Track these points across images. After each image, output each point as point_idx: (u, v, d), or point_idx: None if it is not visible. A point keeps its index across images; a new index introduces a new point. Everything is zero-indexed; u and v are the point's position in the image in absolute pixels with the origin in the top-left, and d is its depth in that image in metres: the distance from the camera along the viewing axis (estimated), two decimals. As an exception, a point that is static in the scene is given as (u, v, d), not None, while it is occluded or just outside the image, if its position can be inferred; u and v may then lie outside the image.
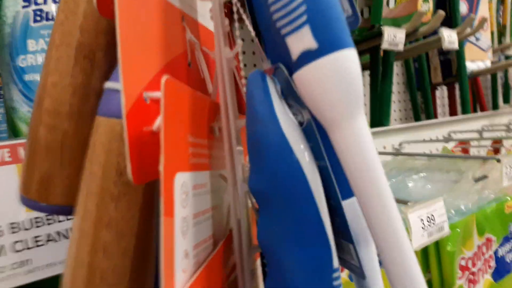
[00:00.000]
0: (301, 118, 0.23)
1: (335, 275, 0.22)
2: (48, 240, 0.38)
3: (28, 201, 0.26)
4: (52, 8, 0.45)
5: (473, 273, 0.49)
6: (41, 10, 0.45)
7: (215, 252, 0.23)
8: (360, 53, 0.91)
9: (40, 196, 0.25)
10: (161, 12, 0.21)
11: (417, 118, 1.08)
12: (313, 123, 0.22)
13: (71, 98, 0.24)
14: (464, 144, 0.86)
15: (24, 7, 0.46)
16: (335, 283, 0.22)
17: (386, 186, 0.21)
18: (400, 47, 0.68)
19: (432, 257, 0.49)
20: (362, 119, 0.21)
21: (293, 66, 0.21)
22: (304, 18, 0.20)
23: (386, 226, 0.21)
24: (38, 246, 0.38)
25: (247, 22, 0.25)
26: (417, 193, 0.59)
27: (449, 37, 0.69)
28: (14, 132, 0.49)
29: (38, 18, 0.45)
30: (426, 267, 0.49)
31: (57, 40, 0.23)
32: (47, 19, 0.45)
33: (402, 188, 0.59)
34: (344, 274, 0.46)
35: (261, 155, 0.22)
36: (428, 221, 0.43)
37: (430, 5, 0.83)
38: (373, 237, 0.22)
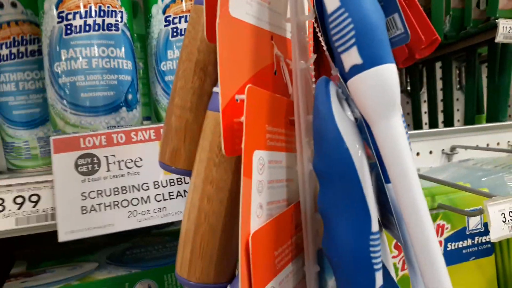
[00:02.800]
0: (356, 116, 0.30)
1: (373, 237, 0.28)
2: (178, 196, 0.49)
3: (164, 166, 0.35)
4: (184, 26, 0.57)
5: None
6: (176, 28, 0.58)
7: (285, 210, 0.31)
8: (478, 45, 0.88)
9: (171, 162, 0.34)
10: (252, 35, 0.29)
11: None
12: (362, 120, 0.29)
13: (192, 97, 0.32)
14: None
15: (165, 25, 0.58)
16: (372, 242, 0.28)
17: (414, 177, 0.25)
18: (514, 41, 0.66)
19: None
20: (397, 119, 0.26)
21: (346, 76, 0.28)
22: (352, 40, 0.26)
23: (410, 211, 0.25)
24: (171, 198, 0.49)
25: (321, 39, 0.32)
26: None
27: None
28: (157, 118, 0.62)
29: (175, 34, 0.58)
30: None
31: (183, 57, 0.33)
32: (181, 35, 0.57)
33: (500, 184, 0.59)
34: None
35: (320, 143, 0.29)
36: (510, 216, 0.44)
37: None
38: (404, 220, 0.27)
